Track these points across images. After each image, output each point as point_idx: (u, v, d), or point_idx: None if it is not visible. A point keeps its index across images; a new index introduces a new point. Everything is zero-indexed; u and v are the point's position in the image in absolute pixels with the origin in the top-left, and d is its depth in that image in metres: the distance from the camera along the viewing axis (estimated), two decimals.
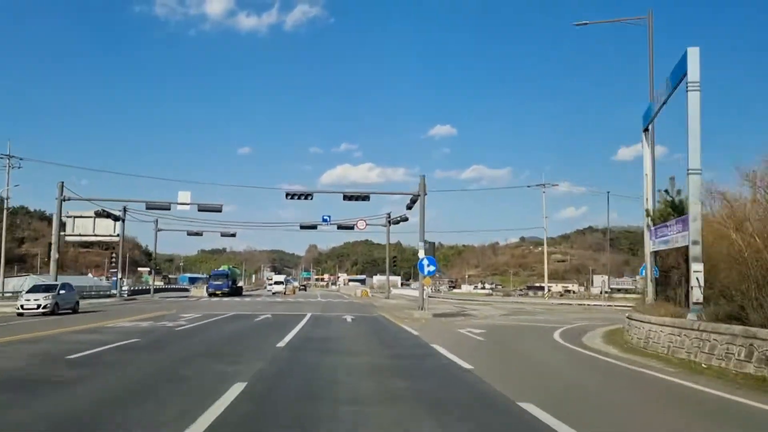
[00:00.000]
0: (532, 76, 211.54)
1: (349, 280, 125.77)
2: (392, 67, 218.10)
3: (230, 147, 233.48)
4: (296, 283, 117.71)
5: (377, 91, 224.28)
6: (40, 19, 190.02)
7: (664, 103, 15.29)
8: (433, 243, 28.26)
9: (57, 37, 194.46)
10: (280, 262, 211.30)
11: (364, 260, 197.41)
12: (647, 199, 17.44)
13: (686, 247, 13.01)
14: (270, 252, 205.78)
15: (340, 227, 47.59)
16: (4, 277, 45.74)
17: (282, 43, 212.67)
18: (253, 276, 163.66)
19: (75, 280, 42.24)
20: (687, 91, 12.54)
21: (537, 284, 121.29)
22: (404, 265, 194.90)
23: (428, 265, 26.87)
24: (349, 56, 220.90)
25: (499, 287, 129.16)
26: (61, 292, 27.16)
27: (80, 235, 44.49)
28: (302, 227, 51.09)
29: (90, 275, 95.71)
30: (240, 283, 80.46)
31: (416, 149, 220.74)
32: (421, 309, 28.04)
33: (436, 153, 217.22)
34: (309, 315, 26.17)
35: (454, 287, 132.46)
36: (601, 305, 47.05)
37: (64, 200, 39.44)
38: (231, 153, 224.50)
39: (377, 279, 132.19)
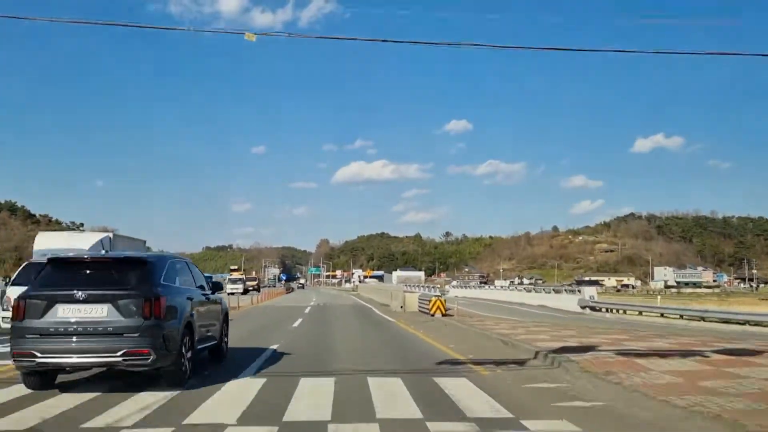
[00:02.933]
0: (547, 70, 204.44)
1: (369, 277, 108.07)
2: (407, 62, 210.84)
3: (245, 145, 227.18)
4: (302, 280, 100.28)
5: (392, 88, 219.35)
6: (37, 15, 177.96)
7: None
8: None
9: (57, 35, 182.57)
10: (291, 259, 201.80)
11: (381, 254, 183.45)
12: None
13: None
14: (280, 249, 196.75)
15: None
16: None
17: (297, 40, 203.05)
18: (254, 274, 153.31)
19: None
20: None
21: (587, 278, 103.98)
22: (425, 260, 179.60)
23: None
24: (364, 53, 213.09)
25: (540, 281, 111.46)
26: None
27: None
28: None
29: None
30: None
31: (431, 145, 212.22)
32: None
33: (451, 148, 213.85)
34: None
35: (485, 283, 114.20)
36: None
37: None
38: (245, 151, 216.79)
39: (399, 274, 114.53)
